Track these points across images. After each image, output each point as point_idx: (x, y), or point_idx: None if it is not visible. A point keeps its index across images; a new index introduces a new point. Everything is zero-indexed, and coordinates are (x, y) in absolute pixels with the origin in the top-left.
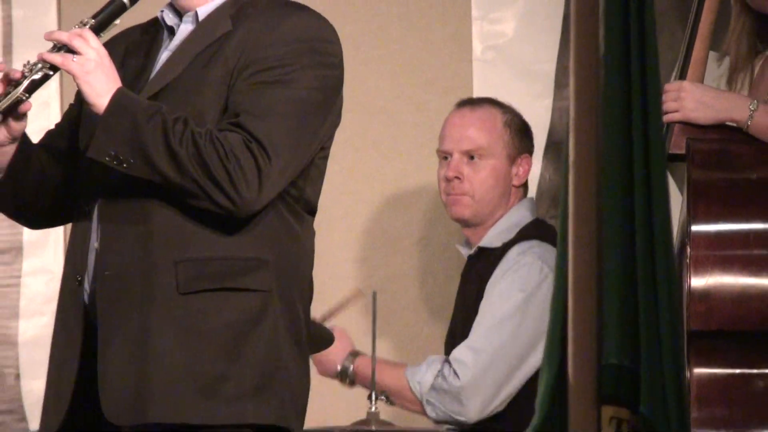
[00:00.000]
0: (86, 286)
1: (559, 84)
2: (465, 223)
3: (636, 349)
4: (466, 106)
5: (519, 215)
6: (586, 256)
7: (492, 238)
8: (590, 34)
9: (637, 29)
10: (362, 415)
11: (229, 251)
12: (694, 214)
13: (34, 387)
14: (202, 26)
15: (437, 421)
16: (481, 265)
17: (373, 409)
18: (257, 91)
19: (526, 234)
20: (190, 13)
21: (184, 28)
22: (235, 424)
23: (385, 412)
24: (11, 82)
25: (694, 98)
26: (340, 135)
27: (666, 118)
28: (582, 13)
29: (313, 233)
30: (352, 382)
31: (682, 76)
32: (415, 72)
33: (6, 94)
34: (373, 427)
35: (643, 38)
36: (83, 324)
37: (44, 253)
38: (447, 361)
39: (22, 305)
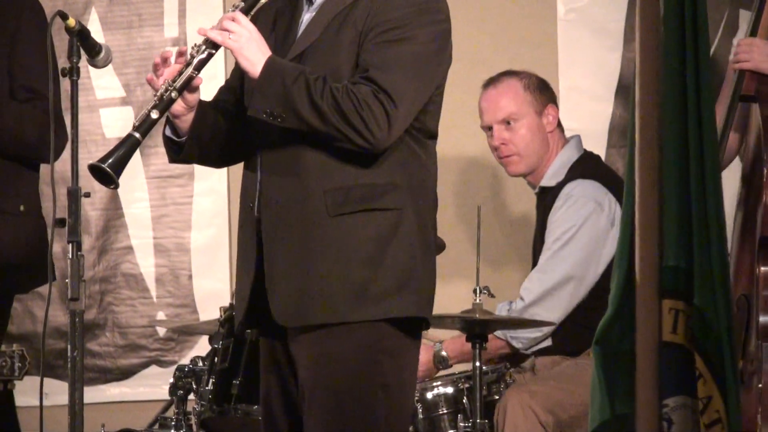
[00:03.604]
0: (256, 211)
1: (627, 39)
2: (522, 176)
3: (690, 253)
4: (490, 86)
5: (567, 155)
6: (650, 177)
7: (548, 179)
8: None
9: None
10: (468, 305)
11: (367, 179)
12: (766, 141)
13: (203, 285)
14: None
15: (528, 349)
16: (545, 202)
17: (478, 300)
18: (382, 49)
19: (573, 173)
20: None
21: None
22: (383, 318)
23: (487, 303)
24: (184, 63)
25: (763, 52)
26: (450, 80)
27: (739, 66)
28: None
29: (435, 155)
30: (450, 364)
31: (752, 33)
32: (511, 31)
33: (180, 73)
34: (477, 315)
35: (695, 1)
36: (256, 241)
37: (211, 176)
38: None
39: (193, 219)
